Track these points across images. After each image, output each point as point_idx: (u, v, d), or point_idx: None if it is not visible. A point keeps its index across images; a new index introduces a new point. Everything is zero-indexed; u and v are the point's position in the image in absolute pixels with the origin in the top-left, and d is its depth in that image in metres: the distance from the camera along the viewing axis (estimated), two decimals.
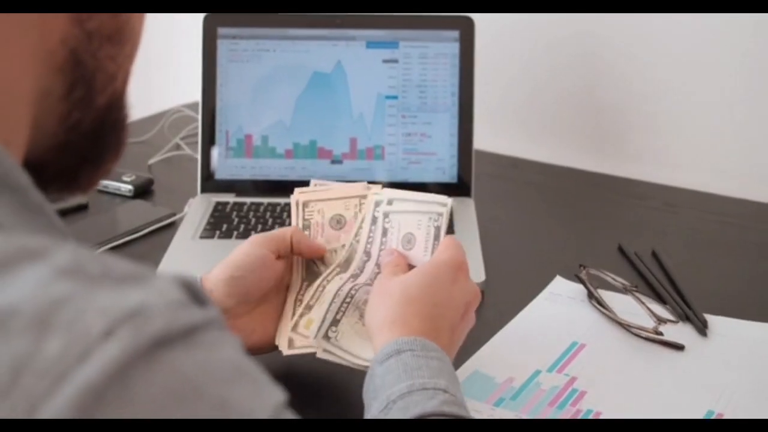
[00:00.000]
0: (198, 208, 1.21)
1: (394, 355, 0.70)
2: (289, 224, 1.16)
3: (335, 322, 0.80)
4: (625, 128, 1.40)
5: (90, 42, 0.49)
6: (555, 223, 1.24)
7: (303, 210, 0.88)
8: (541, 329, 0.96)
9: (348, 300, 0.81)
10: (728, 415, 0.81)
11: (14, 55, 0.46)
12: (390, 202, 0.85)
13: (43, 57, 0.47)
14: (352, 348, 0.79)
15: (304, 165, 1.26)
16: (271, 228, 1.17)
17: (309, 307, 0.83)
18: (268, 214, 1.20)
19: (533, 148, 1.45)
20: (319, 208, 0.88)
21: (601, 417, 0.82)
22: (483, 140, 1.31)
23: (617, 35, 1.35)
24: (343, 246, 0.87)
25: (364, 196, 0.87)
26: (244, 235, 1.15)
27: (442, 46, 1.25)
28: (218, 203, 1.23)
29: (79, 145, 0.53)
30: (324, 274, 0.85)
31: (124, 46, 0.52)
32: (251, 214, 1.20)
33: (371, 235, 0.85)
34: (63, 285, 0.35)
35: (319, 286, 0.83)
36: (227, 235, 1.15)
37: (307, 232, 0.88)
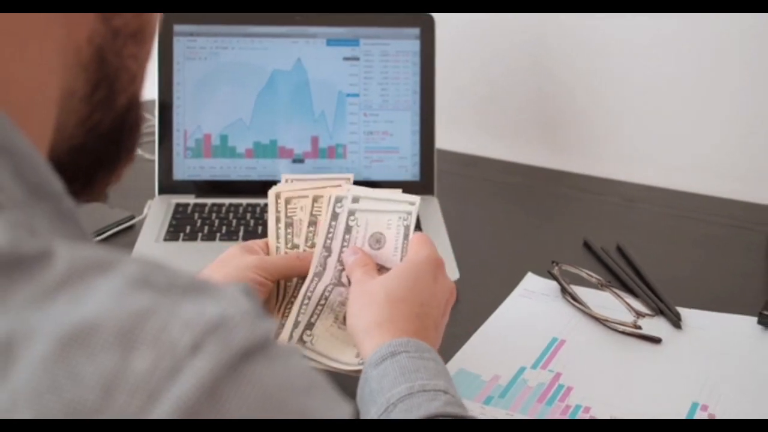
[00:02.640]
0: (158, 210, 1.18)
1: (389, 357, 0.69)
2: (255, 225, 1.15)
3: (309, 325, 0.78)
4: (580, 126, 1.41)
5: (115, 40, 0.47)
6: (519, 219, 1.25)
7: (286, 207, 0.86)
8: (519, 326, 0.96)
9: (322, 302, 0.79)
10: (713, 406, 0.83)
11: (43, 53, 0.44)
12: (356, 200, 0.83)
13: (69, 55, 0.45)
14: (330, 352, 0.78)
15: (265, 164, 1.24)
16: (236, 229, 1.15)
17: (285, 315, 0.81)
18: (231, 215, 1.18)
19: (489, 146, 1.46)
20: (302, 204, 0.86)
21: (591, 412, 0.82)
22: (439, 138, 1.31)
23: (573, 34, 1.37)
24: (311, 246, 0.85)
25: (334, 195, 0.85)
26: (209, 238, 1.13)
27: (403, 44, 1.25)
28: (178, 205, 1.20)
29: (97, 147, 0.51)
30: (294, 280, 0.83)
31: (146, 44, 0.50)
32: (213, 215, 1.18)
33: (331, 230, 0.82)
34: (140, 297, 0.34)
35: (292, 293, 0.82)
36: (192, 237, 1.13)
37: (290, 230, 0.86)
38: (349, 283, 0.79)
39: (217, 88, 1.24)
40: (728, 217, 1.24)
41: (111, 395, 0.31)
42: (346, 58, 1.25)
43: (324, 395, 0.37)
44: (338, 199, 0.83)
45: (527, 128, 1.45)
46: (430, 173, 1.24)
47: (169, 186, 1.23)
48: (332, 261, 0.81)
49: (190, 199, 1.21)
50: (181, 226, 1.15)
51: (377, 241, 0.81)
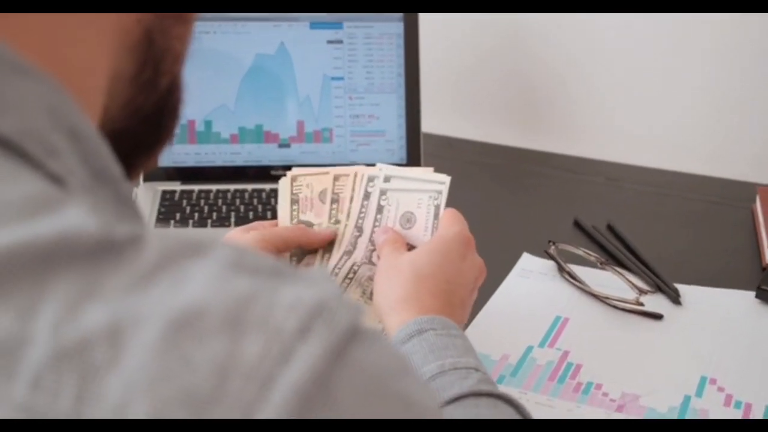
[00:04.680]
0: (144, 198, 1.16)
1: (416, 335, 0.69)
2: (246, 210, 1.14)
3: None
4: (563, 107, 1.42)
5: (162, 21, 0.46)
6: (507, 200, 1.25)
7: (291, 185, 0.85)
8: (522, 305, 0.97)
9: (350, 276, 0.79)
10: (720, 380, 0.84)
11: (96, 34, 0.43)
12: (387, 179, 0.83)
13: (119, 36, 0.44)
14: None
15: (250, 150, 1.23)
16: (227, 215, 1.13)
17: None
18: (220, 201, 1.17)
19: (466, 127, 1.45)
20: (308, 182, 0.85)
21: (603, 388, 0.83)
22: (423, 121, 1.30)
23: (556, 16, 1.37)
24: (335, 222, 0.84)
25: (356, 173, 0.85)
26: (201, 224, 1.12)
27: (387, 26, 1.24)
28: (165, 192, 1.18)
29: (137, 130, 0.49)
30: (318, 255, 0.82)
31: (189, 24, 0.49)
32: (202, 201, 1.16)
33: (363, 210, 0.82)
34: (239, 281, 0.33)
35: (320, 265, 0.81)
36: (183, 223, 1.11)
37: (295, 207, 0.85)
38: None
39: (200, 73, 1.22)
40: (710, 194, 1.26)
41: (226, 381, 0.30)
42: (330, 42, 1.24)
43: (415, 376, 0.37)
44: (370, 179, 0.83)
45: (509, 110, 1.45)
46: (416, 156, 1.24)
47: (154, 173, 1.20)
48: (363, 240, 0.81)
49: (176, 186, 1.19)
50: (170, 213, 1.13)
51: (408, 220, 0.81)
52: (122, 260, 0.33)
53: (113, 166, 0.41)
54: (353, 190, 0.84)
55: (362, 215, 0.83)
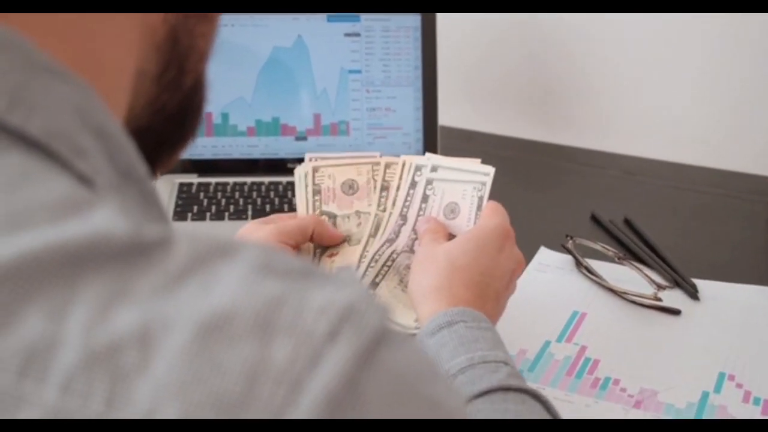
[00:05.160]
0: (162, 190, 1.17)
1: (446, 327, 0.69)
2: (263, 203, 1.14)
3: (374, 285, 0.78)
4: (580, 101, 1.42)
5: (187, 19, 0.46)
6: (524, 194, 1.25)
7: (313, 175, 0.85)
8: (539, 300, 0.96)
9: (389, 264, 0.79)
10: (739, 376, 0.84)
11: (123, 33, 0.43)
12: (434, 169, 0.83)
13: (144, 35, 0.44)
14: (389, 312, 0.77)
15: (267, 142, 1.23)
16: (244, 208, 1.14)
17: None
18: (237, 194, 1.17)
19: (482, 121, 1.45)
20: (329, 173, 0.85)
21: (621, 384, 0.83)
22: (439, 114, 1.30)
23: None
24: (357, 212, 0.84)
25: (377, 163, 0.85)
26: (218, 217, 1.12)
27: (404, 19, 1.24)
28: (182, 184, 1.18)
29: (161, 128, 0.50)
30: (363, 242, 0.82)
31: (214, 22, 0.49)
32: (219, 194, 1.17)
33: (409, 199, 0.83)
34: (269, 284, 0.33)
35: (361, 255, 0.81)
36: (200, 217, 1.12)
37: (317, 197, 0.85)
38: None
39: (217, 65, 1.21)
40: (728, 188, 1.25)
41: (256, 385, 0.30)
42: (347, 34, 1.24)
43: (442, 380, 0.37)
44: (418, 167, 0.83)
45: (527, 103, 1.45)
46: (433, 150, 1.24)
47: None
48: (407, 229, 0.82)
49: (193, 179, 1.20)
50: (187, 206, 1.13)
51: (452, 211, 0.81)
52: (152, 262, 0.33)
53: (139, 165, 0.42)
54: (400, 178, 0.84)
55: (407, 204, 0.83)
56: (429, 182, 0.82)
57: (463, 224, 0.80)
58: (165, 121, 0.49)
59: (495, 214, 0.78)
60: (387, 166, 0.85)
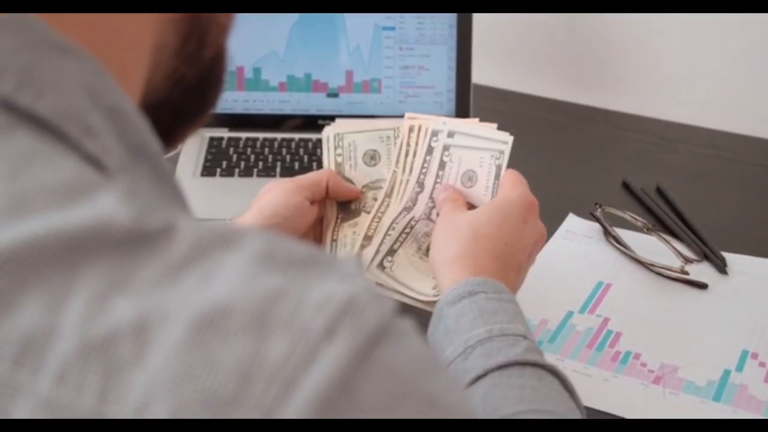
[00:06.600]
0: (192, 144, 1.17)
1: (467, 296, 0.68)
2: (291, 160, 1.14)
3: (392, 252, 0.78)
4: (616, 62, 1.39)
5: None
6: (555, 158, 1.23)
7: (336, 143, 0.85)
8: (564, 269, 0.96)
9: (407, 231, 0.79)
10: (762, 355, 0.83)
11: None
12: (451, 135, 0.81)
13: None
14: (408, 280, 0.77)
15: (298, 98, 1.22)
16: (273, 165, 1.14)
17: (369, 238, 0.80)
18: (267, 150, 1.17)
19: (521, 80, 1.43)
20: (351, 139, 0.85)
21: (641, 359, 0.82)
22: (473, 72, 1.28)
23: None
24: (378, 181, 0.84)
25: (420, 127, 0.83)
26: (247, 173, 1.12)
27: None
28: (212, 138, 1.19)
29: (180, 101, 0.49)
30: (377, 206, 0.82)
31: None
32: (249, 150, 1.17)
33: (425, 165, 0.81)
34: (268, 277, 0.33)
35: (374, 218, 0.81)
36: (229, 173, 1.12)
37: (341, 163, 0.84)
38: None
39: (249, 19, 1.21)
40: (766, 157, 1.23)
41: (248, 383, 0.30)
42: None
43: (444, 374, 0.37)
44: (434, 133, 0.81)
45: (558, 63, 1.43)
46: (465, 110, 1.23)
47: None
48: (424, 197, 0.81)
49: (224, 133, 1.20)
50: (217, 161, 1.14)
51: (469, 179, 0.80)
52: (153, 251, 0.33)
53: (152, 142, 0.41)
54: (416, 144, 0.83)
55: (424, 171, 0.81)
56: (446, 148, 0.81)
57: (481, 193, 0.79)
58: (184, 93, 0.49)
59: (518, 184, 0.77)
60: (411, 129, 0.83)
